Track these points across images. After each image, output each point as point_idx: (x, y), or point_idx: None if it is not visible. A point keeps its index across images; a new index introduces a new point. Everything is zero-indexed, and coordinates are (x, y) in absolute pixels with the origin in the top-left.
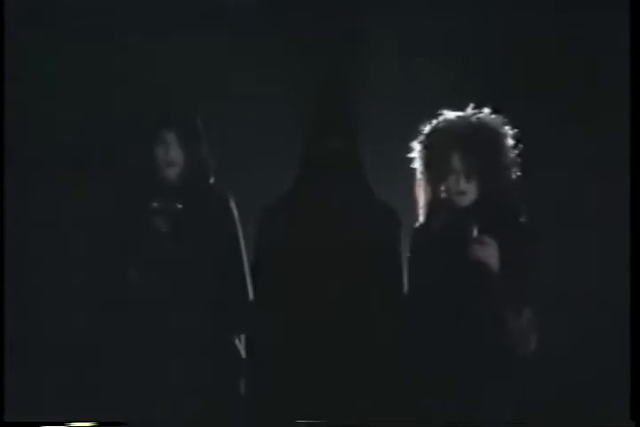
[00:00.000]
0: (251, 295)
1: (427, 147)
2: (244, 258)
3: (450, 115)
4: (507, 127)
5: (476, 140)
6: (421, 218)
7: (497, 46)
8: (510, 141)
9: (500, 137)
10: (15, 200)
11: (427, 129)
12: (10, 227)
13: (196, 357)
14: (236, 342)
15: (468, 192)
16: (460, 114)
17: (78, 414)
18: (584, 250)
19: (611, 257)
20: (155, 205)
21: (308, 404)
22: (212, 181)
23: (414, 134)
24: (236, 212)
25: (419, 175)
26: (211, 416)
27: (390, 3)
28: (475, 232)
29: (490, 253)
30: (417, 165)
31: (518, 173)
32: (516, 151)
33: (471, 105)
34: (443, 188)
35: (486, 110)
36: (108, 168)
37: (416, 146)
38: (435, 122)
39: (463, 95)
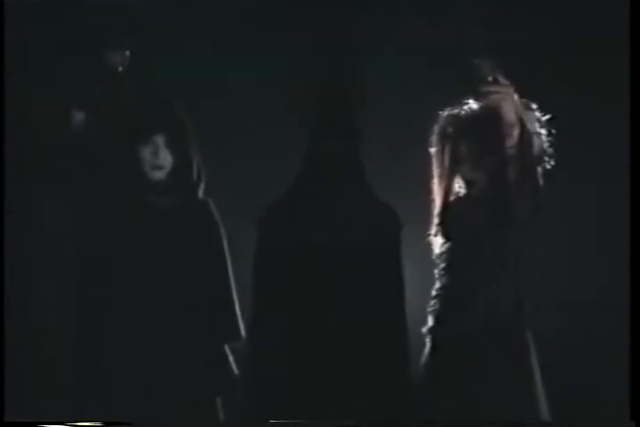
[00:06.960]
0: (236, 303)
1: (439, 134)
2: (229, 263)
3: (473, 104)
4: (535, 113)
5: (483, 125)
6: (436, 210)
7: (497, 46)
8: (537, 128)
9: (520, 124)
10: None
11: (443, 115)
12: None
13: (195, 357)
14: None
15: (478, 182)
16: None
17: (78, 415)
18: (583, 250)
19: (611, 257)
20: (141, 204)
21: (307, 404)
22: (200, 184)
23: (414, 134)
24: (217, 213)
25: (433, 164)
26: (214, 417)
27: (390, 2)
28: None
29: (506, 98)
30: (432, 152)
31: (549, 164)
32: (547, 140)
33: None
34: (455, 177)
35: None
36: (97, 168)
37: (434, 131)
38: (454, 109)
39: (464, 95)
